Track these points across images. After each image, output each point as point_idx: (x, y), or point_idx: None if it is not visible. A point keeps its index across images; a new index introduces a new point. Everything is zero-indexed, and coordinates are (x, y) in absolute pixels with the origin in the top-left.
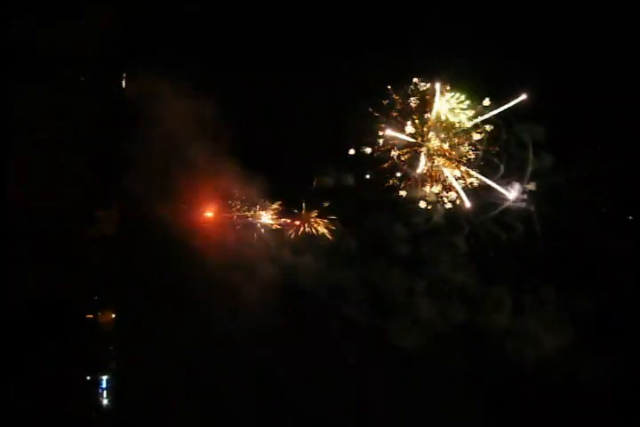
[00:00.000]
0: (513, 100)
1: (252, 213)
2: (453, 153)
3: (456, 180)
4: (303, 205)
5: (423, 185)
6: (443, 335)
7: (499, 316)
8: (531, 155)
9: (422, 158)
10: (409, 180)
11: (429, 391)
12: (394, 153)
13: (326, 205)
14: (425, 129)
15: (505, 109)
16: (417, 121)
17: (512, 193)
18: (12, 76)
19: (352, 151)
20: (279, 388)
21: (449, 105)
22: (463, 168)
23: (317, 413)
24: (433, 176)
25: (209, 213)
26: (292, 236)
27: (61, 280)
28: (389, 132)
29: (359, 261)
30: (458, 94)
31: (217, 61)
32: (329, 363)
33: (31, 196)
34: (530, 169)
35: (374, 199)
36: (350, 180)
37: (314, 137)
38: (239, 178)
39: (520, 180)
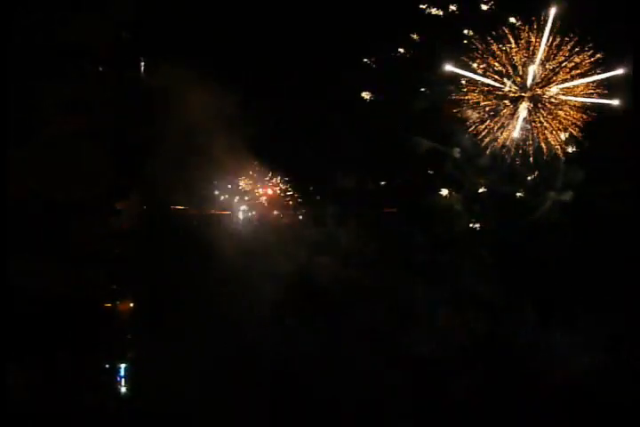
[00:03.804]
0: None
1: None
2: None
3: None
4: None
5: None
6: (463, 347)
7: (524, 329)
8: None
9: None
10: None
11: (446, 402)
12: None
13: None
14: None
15: None
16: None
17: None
18: (30, 71)
19: None
20: (293, 381)
21: None
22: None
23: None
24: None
25: (229, 205)
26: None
27: (80, 270)
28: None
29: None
30: None
31: (237, 50)
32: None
33: (51, 189)
34: (563, 178)
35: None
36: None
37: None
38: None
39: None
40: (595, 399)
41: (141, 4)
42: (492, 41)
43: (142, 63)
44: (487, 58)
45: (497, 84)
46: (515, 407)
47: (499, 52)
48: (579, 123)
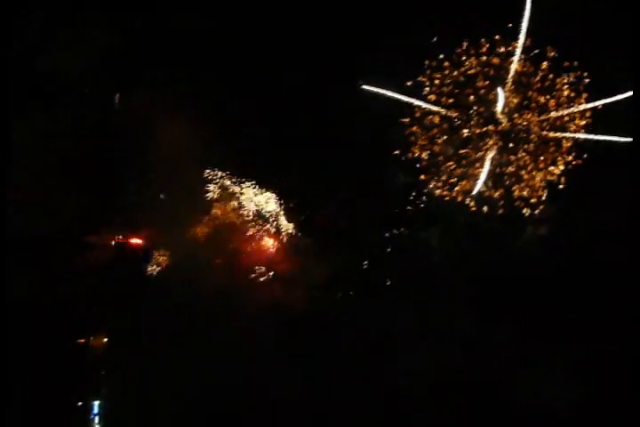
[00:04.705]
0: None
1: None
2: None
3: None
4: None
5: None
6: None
7: (503, 364)
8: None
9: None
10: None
11: None
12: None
13: None
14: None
15: None
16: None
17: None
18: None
19: None
20: (265, 412)
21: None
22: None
23: None
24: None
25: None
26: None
27: (53, 304)
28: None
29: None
30: None
31: (216, 81)
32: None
33: (26, 221)
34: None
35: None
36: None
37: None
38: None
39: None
40: None
41: (120, 34)
42: (448, 66)
43: (117, 94)
44: (445, 86)
45: (459, 117)
46: None
47: (461, 78)
48: (557, 161)
